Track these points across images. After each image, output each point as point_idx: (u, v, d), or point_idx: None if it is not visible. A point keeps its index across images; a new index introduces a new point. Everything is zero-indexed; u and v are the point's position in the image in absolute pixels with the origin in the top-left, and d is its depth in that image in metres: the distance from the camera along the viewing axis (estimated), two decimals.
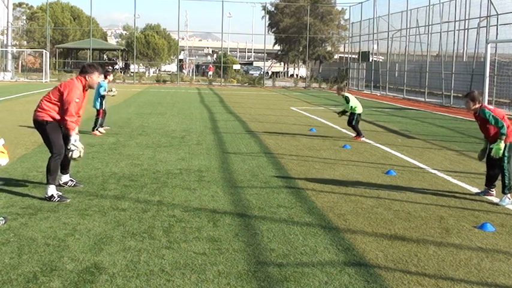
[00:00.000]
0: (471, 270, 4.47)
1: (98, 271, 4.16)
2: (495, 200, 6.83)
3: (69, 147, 6.32)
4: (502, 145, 6.61)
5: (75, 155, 6.35)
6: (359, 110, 12.38)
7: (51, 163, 6.28)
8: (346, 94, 12.55)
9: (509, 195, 6.66)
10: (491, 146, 6.78)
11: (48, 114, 6.31)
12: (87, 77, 6.48)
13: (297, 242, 5.01)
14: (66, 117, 6.24)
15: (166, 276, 4.11)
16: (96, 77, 6.58)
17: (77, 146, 6.33)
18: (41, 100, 6.44)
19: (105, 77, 12.25)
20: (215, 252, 4.64)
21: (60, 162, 6.43)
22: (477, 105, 6.92)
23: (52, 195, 6.15)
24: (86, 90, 6.56)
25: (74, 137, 6.31)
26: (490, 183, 7.04)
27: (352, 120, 12.36)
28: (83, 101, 6.51)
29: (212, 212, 5.90)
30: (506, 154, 6.68)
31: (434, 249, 4.95)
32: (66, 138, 6.40)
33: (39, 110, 6.38)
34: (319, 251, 4.77)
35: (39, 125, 6.37)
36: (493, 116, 6.70)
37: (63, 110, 6.28)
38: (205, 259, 4.48)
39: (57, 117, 6.33)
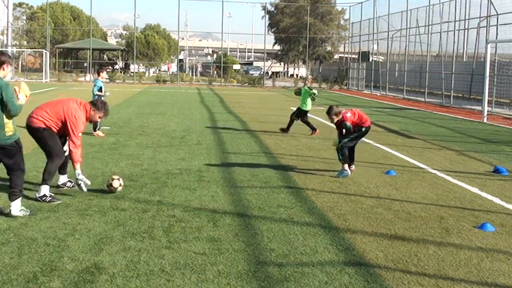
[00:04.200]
0: (471, 270, 4.47)
1: (98, 271, 4.16)
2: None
3: (78, 183, 6.33)
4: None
5: (84, 187, 6.33)
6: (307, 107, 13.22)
7: (51, 167, 6.24)
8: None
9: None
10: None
11: (45, 124, 6.21)
12: (92, 111, 6.44)
13: (297, 242, 5.01)
14: (72, 148, 6.22)
15: (166, 276, 4.11)
16: (99, 116, 6.58)
17: (82, 179, 6.32)
18: (39, 108, 6.30)
19: (98, 74, 12.21)
20: (215, 252, 4.64)
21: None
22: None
23: (45, 194, 6.13)
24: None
25: (78, 171, 6.29)
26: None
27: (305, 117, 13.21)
28: (84, 126, 6.48)
29: (212, 212, 5.90)
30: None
31: (434, 249, 4.95)
32: (62, 137, 6.40)
33: (35, 117, 6.23)
34: (319, 251, 4.77)
35: (35, 131, 6.24)
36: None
37: (64, 130, 6.23)
38: (205, 259, 4.49)
39: (54, 128, 6.24)
